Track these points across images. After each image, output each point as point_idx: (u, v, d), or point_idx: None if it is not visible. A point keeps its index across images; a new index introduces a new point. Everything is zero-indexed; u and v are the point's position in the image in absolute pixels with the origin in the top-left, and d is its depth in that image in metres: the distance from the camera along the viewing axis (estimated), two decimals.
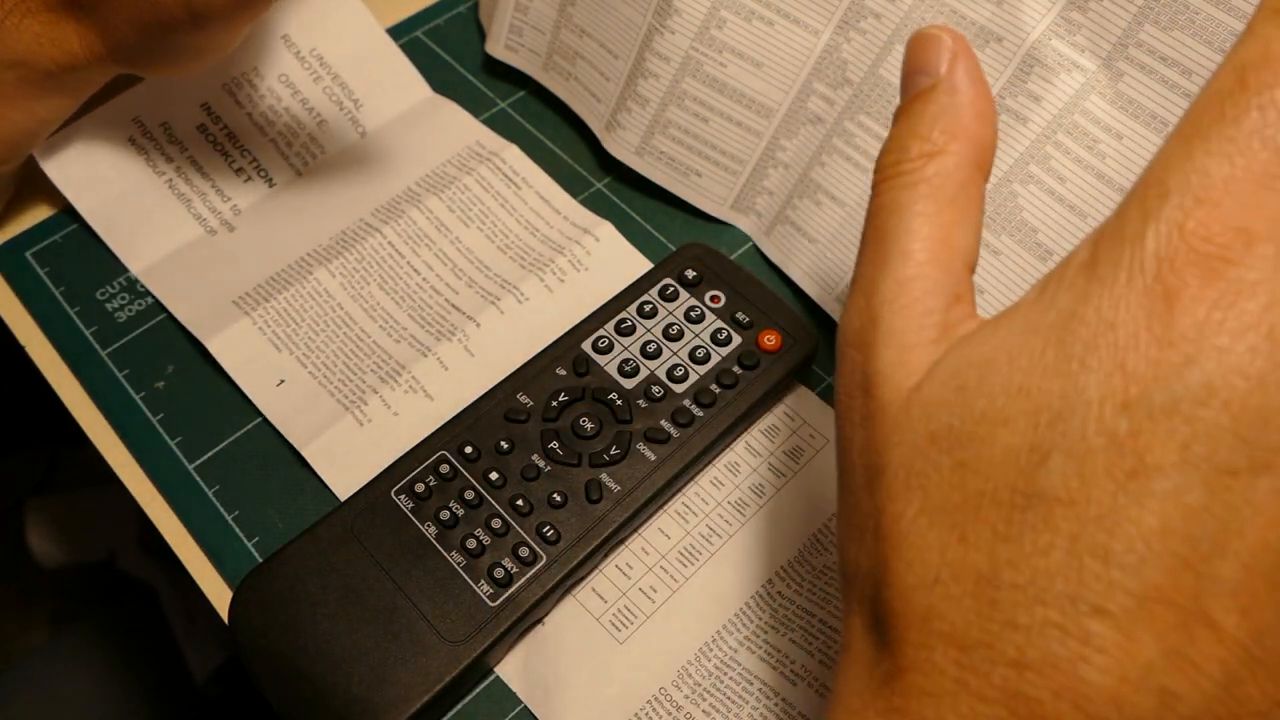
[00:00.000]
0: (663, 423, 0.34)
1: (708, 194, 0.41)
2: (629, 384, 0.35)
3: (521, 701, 0.32)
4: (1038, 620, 0.18)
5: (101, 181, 0.40)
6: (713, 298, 0.37)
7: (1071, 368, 0.18)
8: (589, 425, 0.34)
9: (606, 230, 0.41)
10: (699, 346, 0.36)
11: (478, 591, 0.31)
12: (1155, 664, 0.17)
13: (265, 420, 0.36)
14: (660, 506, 0.34)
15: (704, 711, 0.31)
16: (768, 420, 0.37)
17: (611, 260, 0.40)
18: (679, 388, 0.35)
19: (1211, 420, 0.17)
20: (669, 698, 0.31)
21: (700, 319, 0.36)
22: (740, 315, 0.36)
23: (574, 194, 0.42)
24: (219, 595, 0.33)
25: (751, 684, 0.32)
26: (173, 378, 0.37)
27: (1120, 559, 0.17)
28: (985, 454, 0.19)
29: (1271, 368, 0.17)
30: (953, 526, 0.19)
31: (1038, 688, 0.18)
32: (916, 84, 0.24)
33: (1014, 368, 0.19)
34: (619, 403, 0.34)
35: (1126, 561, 0.17)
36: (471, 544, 0.32)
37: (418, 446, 0.34)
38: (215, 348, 0.37)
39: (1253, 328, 0.17)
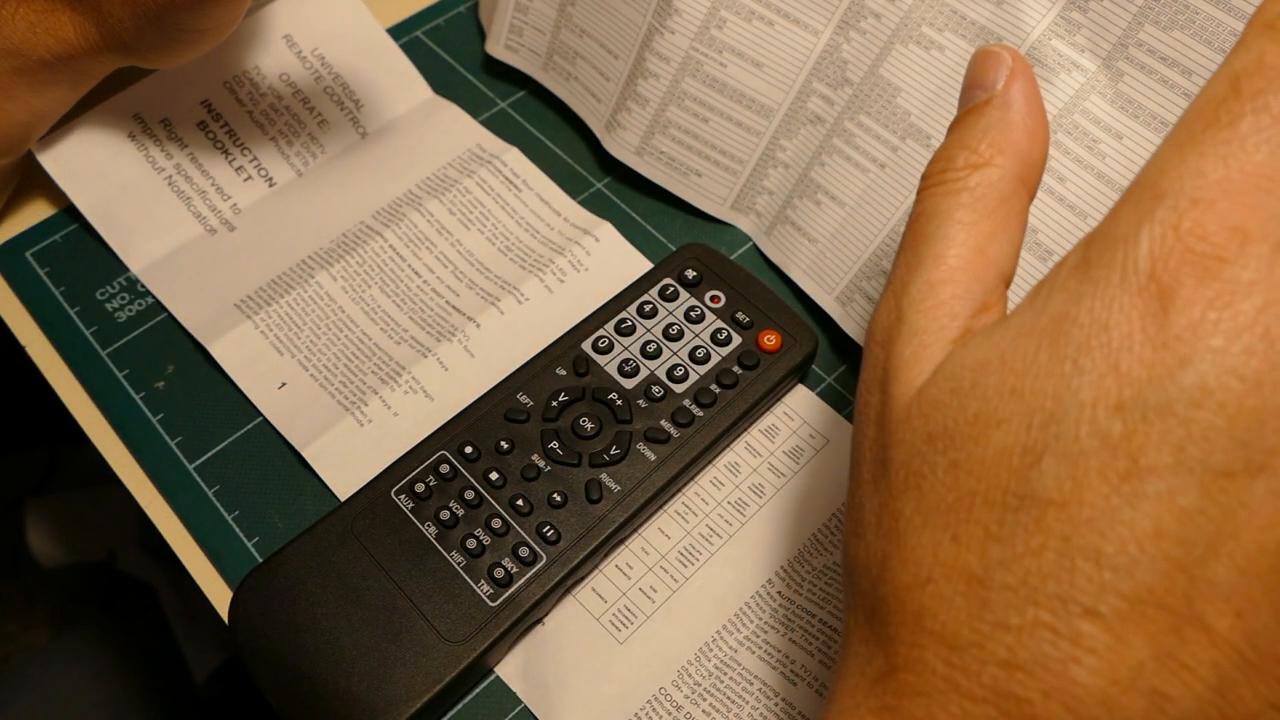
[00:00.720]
0: (663, 423, 0.34)
1: (708, 194, 0.41)
2: (629, 384, 0.35)
3: (521, 701, 0.32)
4: (1029, 621, 0.18)
5: (101, 177, 0.40)
6: (713, 298, 0.37)
7: (1064, 369, 0.18)
8: (589, 425, 0.34)
9: (606, 231, 0.41)
10: (699, 346, 0.36)
11: (478, 591, 0.31)
12: (1146, 665, 0.17)
13: (265, 420, 0.36)
14: (660, 506, 0.34)
15: (704, 711, 0.31)
16: (768, 420, 0.37)
17: (611, 261, 0.40)
18: (679, 388, 0.35)
19: (1206, 422, 0.17)
20: (669, 698, 0.31)
21: (700, 319, 0.36)
22: (740, 315, 0.36)
23: (574, 194, 0.42)
24: (219, 595, 0.33)
25: (751, 684, 0.32)
26: (173, 378, 0.37)
27: (1112, 560, 0.18)
28: (978, 455, 0.19)
29: (1267, 369, 0.17)
30: (945, 526, 0.20)
31: (1028, 688, 0.18)
32: (972, 98, 0.24)
33: (1007, 370, 0.19)
34: (619, 403, 0.34)
35: (1118, 563, 0.17)
36: (471, 544, 0.32)
37: (418, 446, 0.34)
38: (218, 351, 0.37)
39: (1248, 328, 0.17)
